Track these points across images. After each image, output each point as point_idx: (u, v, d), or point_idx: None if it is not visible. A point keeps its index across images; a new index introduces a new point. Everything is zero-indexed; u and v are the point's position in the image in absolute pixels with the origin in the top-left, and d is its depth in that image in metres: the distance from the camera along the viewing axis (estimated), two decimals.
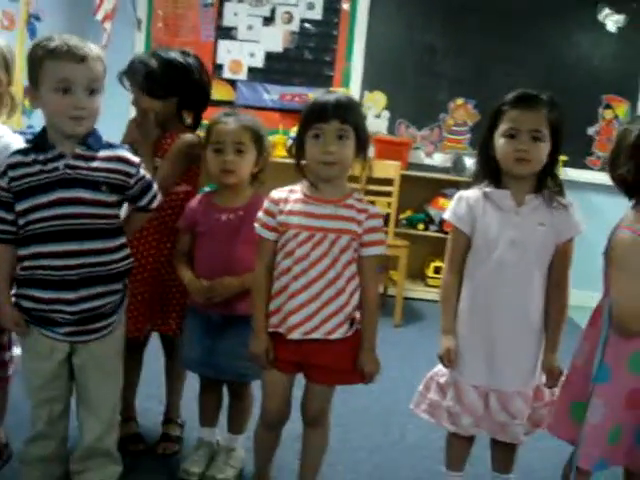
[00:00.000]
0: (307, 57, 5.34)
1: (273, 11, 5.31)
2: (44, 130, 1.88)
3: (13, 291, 1.93)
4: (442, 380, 2.06)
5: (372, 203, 1.97)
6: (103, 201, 1.87)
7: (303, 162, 1.91)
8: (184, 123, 2.37)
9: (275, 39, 5.32)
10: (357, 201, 1.90)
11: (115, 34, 4.82)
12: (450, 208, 2.05)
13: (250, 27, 5.33)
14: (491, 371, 1.99)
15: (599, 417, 1.83)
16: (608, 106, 5.22)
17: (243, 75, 5.35)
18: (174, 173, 2.28)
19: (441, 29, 5.21)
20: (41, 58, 1.81)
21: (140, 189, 1.97)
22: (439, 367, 2.08)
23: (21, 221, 1.86)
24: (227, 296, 2.09)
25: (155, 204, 2.04)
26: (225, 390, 2.32)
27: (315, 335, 1.86)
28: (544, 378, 2.02)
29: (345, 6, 5.26)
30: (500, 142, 1.96)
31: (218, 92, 5.09)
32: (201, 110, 2.41)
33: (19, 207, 1.85)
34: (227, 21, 5.35)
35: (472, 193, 2.03)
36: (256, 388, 2.19)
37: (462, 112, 5.27)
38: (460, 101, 5.25)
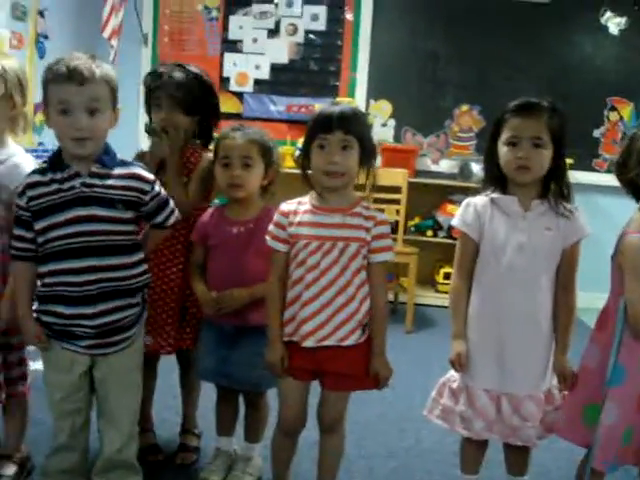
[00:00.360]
0: (312, 68, 5.38)
1: (278, 23, 5.35)
2: (59, 150, 1.92)
3: (34, 307, 1.97)
4: (454, 385, 2.08)
5: (381, 211, 2.00)
6: (119, 218, 1.91)
7: (309, 172, 1.95)
8: (195, 139, 2.40)
9: (280, 51, 5.37)
10: (364, 209, 1.94)
11: (122, 50, 4.87)
12: (458, 214, 2.08)
13: (255, 40, 5.38)
14: (502, 375, 2.01)
15: (614, 419, 1.86)
16: (613, 108, 5.24)
17: (249, 87, 5.40)
18: (204, 191, 2.32)
19: (444, 36, 5.25)
20: (47, 82, 1.87)
21: (156, 206, 2.00)
22: (451, 373, 2.10)
23: (40, 239, 1.90)
24: (236, 307, 2.12)
25: (172, 221, 2.07)
26: (241, 399, 2.36)
27: (328, 342, 1.90)
28: (555, 381, 2.04)
29: (349, 16, 5.31)
30: (503, 150, 2.00)
31: (225, 105, 5.13)
32: (216, 125, 2.45)
33: (38, 226, 1.90)
34: (232, 34, 5.40)
35: (479, 199, 2.06)
36: (272, 397, 2.23)
37: (467, 118, 5.30)
38: (465, 107, 5.28)
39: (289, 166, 4.34)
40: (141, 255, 2.00)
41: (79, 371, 1.98)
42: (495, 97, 4.71)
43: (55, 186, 1.88)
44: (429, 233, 5.06)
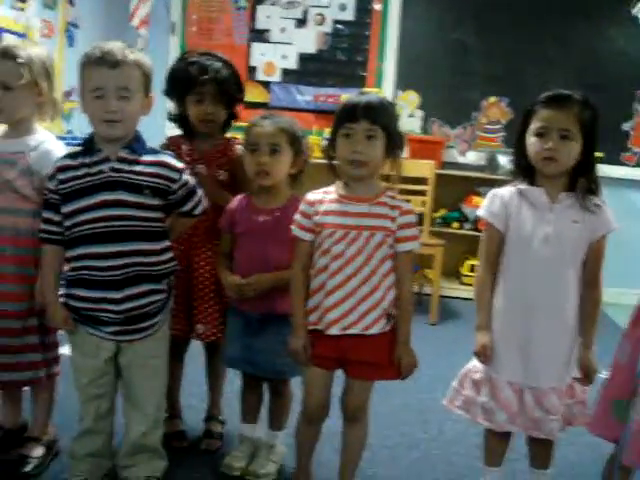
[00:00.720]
0: (340, 58, 5.38)
1: (305, 13, 5.35)
2: (92, 134, 1.95)
3: (62, 291, 2.00)
4: (477, 376, 2.07)
5: (407, 202, 2.00)
6: (146, 204, 1.93)
7: (335, 162, 1.96)
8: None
9: (308, 41, 5.37)
10: (390, 198, 1.95)
11: (150, 39, 4.91)
12: (484, 205, 2.08)
13: (283, 29, 5.38)
14: (526, 367, 2.00)
15: None
16: None
17: (277, 77, 5.41)
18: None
19: (473, 27, 5.21)
20: (81, 66, 1.90)
21: (183, 194, 2.02)
22: (473, 363, 2.10)
23: (67, 223, 1.93)
24: (260, 292, 2.13)
25: (199, 210, 2.09)
26: (265, 387, 2.37)
27: (353, 330, 1.90)
28: (575, 374, 2.03)
29: (377, 6, 5.29)
30: (530, 141, 1.98)
31: (252, 94, 5.16)
32: (239, 115, 2.47)
33: (65, 209, 1.93)
34: (260, 24, 5.41)
35: (506, 190, 2.05)
36: (295, 385, 2.24)
37: (495, 110, 5.26)
38: (493, 99, 5.25)
39: (316, 156, 4.35)
40: (167, 242, 2.02)
41: (104, 356, 2.01)
42: (524, 89, 4.69)
43: (84, 170, 1.91)
44: (455, 225, 5.05)
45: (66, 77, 4.05)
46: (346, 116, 1.89)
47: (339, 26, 5.35)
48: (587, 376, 2.00)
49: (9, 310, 2.11)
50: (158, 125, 2.44)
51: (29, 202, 2.11)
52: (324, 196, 1.97)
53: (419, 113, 5.30)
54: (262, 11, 5.40)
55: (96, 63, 1.86)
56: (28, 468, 2.18)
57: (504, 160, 4.90)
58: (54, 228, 1.96)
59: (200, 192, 2.08)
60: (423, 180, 4.39)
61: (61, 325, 2.02)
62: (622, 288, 3.03)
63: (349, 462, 2.10)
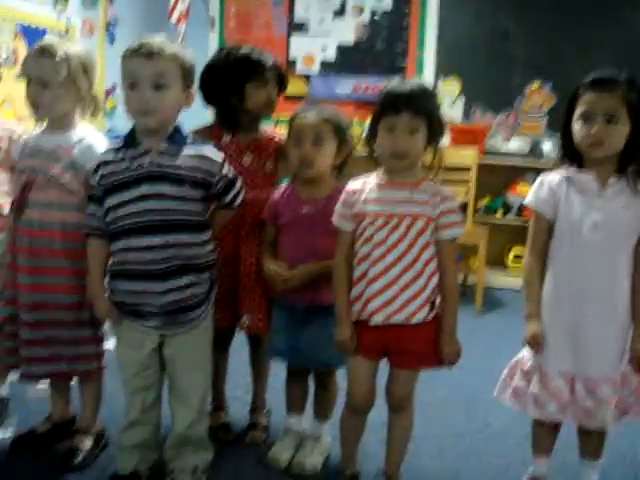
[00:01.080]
0: (379, 48, 5.33)
1: (343, 4, 5.32)
2: (133, 128, 1.96)
3: (106, 284, 2.03)
4: (527, 366, 2.04)
5: None
6: (186, 196, 1.93)
7: (375, 153, 1.95)
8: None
9: (346, 32, 5.34)
10: (431, 185, 1.92)
11: (189, 34, 4.94)
12: (532, 192, 2.04)
13: (321, 21, 5.36)
14: (577, 357, 1.97)
15: None
16: None
17: (316, 69, 5.40)
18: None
19: (513, 12, 5.11)
20: (121, 59, 1.92)
21: (223, 186, 2.02)
22: (523, 353, 2.06)
23: (110, 216, 1.95)
24: (305, 282, 2.13)
25: (239, 201, 2.09)
26: (310, 378, 2.37)
27: (396, 319, 1.89)
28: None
29: None
30: (576, 126, 1.94)
31: (292, 87, 5.10)
32: None
33: (108, 203, 1.95)
34: (298, 16, 5.40)
35: (554, 176, 2.01)
36: (340, 376, 2.23)
37: (538, 96, 5.16)
38: (536, 85, 5.15)
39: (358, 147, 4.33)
40: (209, 234, 2.02)
41: (149, 348, 2.03)
42: (568, 73, 4.57)
43: (125, 163, 1.93)
44: (499, 214, 4.98)
45: (107, 75, 4.10)
46: (387, 107, 1.87)
47: (377, 16, 5.30)
48: (638, 365, 1.95)
49: (63, 302, 2.16)
50: (200, 120, 2.44)
51: (75, 196, 2.14)
52: (364, 184, 1.96)
53: (461, 101, 5.23)
54: (300, 3, 5.38)
55: (132, 54, 1.89)
56: (78, 459, 2.22)
57: (548, 146, 4.83)
58: (98, 222, 1.98)
59: (239, 184, 2.08)
60: (466, 168, 4.34)
61: (106, 317, 2.04)
62: None
63: (395, 453, 2.09)
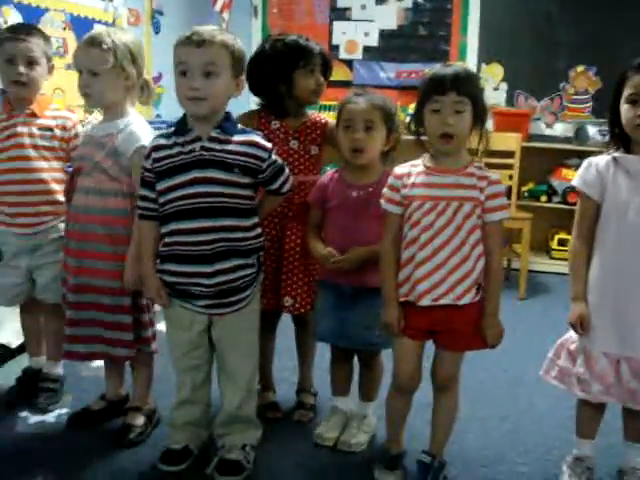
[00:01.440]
0: (422, 33, 5.31)
1: None
2: (184, 115, 2.01)
3: (156, 267, 2.08)
4: (572, 347, 2.05)
5: None
6: (235, 182, 1.98)
7: (423, 137, 1.97)
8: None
9: (389, 17, 5.33)
10: (477, 169, 1.94)
11: (233, 22, 4.98)
12: (579, 174, 2.04)
13: (364, 7, 5.36)
14: (622, 338, 1.97)
15: None
16: None
17: (359, 55, 5.40)
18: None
19: None
20: (174, 47, 1.97)
21: (272, 173, 2.06)
22: (569, 334, 2.08)
23: (161, 200, 2.01)
24: (356, 265, 2.16)
25: (287, 187, 2.13)
26: (355, 360, 2.41)
27: (444, 301, 1.91)
28: None
29: None
30: (623, 108, 1.94)
31: (335, 73, 5.09)
32: None
33: (160, 186, 2.01)
34: (341, 2, 5.40)
35: (601, 159, 2.01)
36: (385, 357, 2.27)
37: (583, 79, 5.10)
38: (580, 68, 5.08)
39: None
40: (256, 219, 2.07)
41: (198, 329, 2.09)
42: (612, 56, 4.50)
43: (177, 149, 1.98)
44: (543, 198, 4.94)
45: (155, 64, 4.16)
46: (433, 89, 1.89)
47: (420, 0, 5.28)
48: None
49: (103, 286, 2.24)
50: (244, 106, 2.48)
51: (117, 182, 2.21)
52: (411, 169, 1.98)
53: (504, 86, 5.19)
54: None
55: (183, 43, 1.93)
56: (132, 435, 2.30)
57: (593, 131, 4.76)
58: (150, 204, 2.05)
59: (287, 170, 2.12)
60: (509, 153, 4.31)
61: (155, 296, 2.10)
62: None
63: (440, 433, 2.12)
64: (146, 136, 2.18)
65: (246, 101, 2.59)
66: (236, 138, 1.99)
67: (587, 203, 2.03)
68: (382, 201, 2.02)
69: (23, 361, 2.77)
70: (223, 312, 2.06)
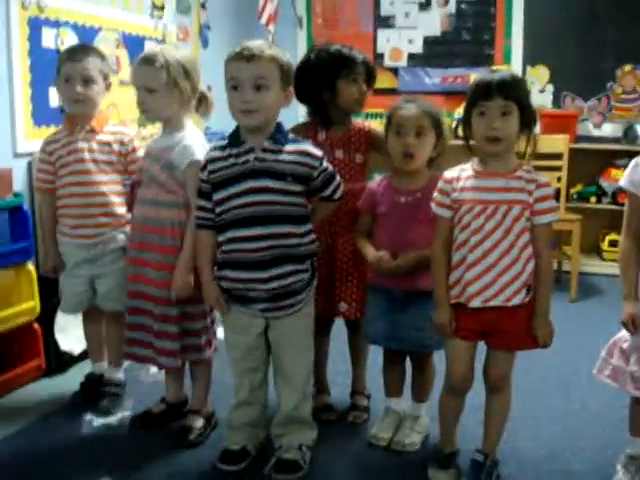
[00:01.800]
0: (466, 38, 5.33)
1: None
2: (237, 127, 2.09)
3: (214, 274, 2.16)
4: (625, 345, 2.06)
5: None
6: (289, 190, 2.05)
7: (471, 142, 2.01)
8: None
9: (432, 23, 5.36)
10: (526, 172, 1.97)
11: (278, 34, 5.06)
12: (626, 175, 2.05)
13: (407, 14, 5.40)
14: None
15: None
16: None
17: (403, 62, 5.44)
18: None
19: None
20: (225, 62, 2.05)
21: (323, 180, 2.12)
22: (622, 333, 2.08)
23: (218, 209, 2.09)
24: (409, 269, 2.20)
25: (338, 194, 2.19)
26: (408, 362, 2.45)
27: (494, 302, 1.95)
28: None
29: None
30: None
31: (381, 81, 5.14)
32: None
33: (216, 197, 2.09)
34: (384, 10, 5.45)
35: None
36: (437, 358, 2.31)
37: (631, 79, 5.05)
38: (628, 67, 5.04)
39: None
40: (310, 226, 2.13)
41: (255, 332, 2.16)
42: None
43: (232, 160, 2.06)
44: (593, 200, 4.91)
45: (202, 77, 4.26)
46: (480, 94, 1.93)
47: (463, 6, 5.29)
48: None
49: (154, 295, 2.33)
50: (293, 117, 2.55)
51: (172, 194, 2.30)
52: (461, 173, 2.02)
53: (550, 87, 5.17)
54: None
55: (234, 58, 2.01)
56: (192, 436, 2.38)
57: None
58: (207, 214, 2.13)
59: (339, 178, 2.18)
60: (557, 155, 4.30)
61: (215, 304, 2.18)
62: None
63: (492, 433, 2.14)
64: (199, 150, 2.26)
65: (294, 112, 2.65)
66: (288, 147, 2.06)
67: (635, 203, 2.04)
68: (432, 205, 2.06)
69: (86, 367, 2.88)
70: (279, 315, 2.13)
